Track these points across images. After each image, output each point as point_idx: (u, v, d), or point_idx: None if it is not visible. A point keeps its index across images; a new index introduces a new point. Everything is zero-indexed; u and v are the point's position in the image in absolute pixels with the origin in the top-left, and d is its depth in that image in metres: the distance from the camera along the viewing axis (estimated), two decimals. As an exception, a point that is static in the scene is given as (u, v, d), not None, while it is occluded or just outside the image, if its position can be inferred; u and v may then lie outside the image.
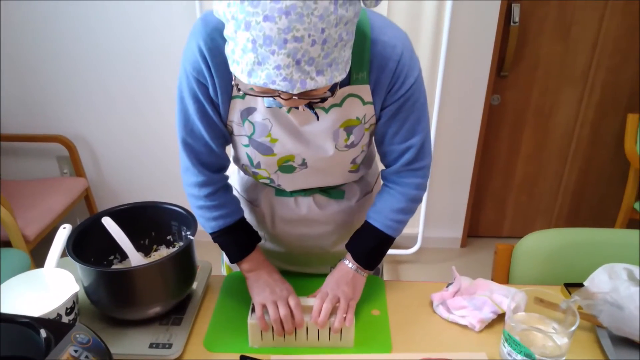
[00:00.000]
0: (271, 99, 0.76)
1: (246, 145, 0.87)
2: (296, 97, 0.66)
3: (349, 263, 0.93)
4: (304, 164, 0.88)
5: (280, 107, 0.81)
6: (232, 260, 0.94)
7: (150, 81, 2.25)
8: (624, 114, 2.26)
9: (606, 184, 2.49)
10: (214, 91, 0.80)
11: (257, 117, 0.82)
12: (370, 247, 0.92)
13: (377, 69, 0.78)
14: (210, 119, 0.83)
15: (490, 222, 2.66)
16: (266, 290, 0.88)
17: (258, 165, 0.90)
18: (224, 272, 1.22)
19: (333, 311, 0.87)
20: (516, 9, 2.08)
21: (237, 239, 0.93)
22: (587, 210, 2.58)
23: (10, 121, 2.37)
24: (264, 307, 0.86)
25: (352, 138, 0.85)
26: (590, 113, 2.33)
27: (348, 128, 0.83)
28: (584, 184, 2.51)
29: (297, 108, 0.80)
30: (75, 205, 2.27)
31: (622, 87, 2.26)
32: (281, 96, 0.67)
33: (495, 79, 2.24)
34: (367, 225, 0.94)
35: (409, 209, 0.93)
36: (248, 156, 0.89)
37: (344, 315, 0.85)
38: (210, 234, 0.93)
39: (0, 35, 2.18)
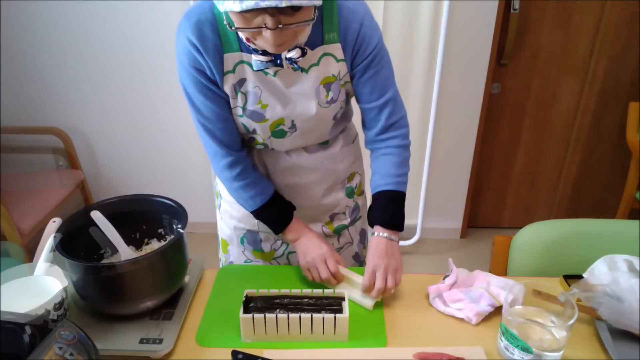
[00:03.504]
0: (259, 62, 0.87)
1: (241, 116, 0.96)
2: (282, 26, 0.74)
3: (381, 233, 0.98)
4: (293, 126, 0.98)
5: (266, 74, 0.91)
6: (276, 232, 1.04)
7: (145, 74, 2.23)
8: (625, 102, 2.23)
9: (607, 173, 2.47)
10: (210, 72, 0.90)
11: (248, 86, 0.92)
12: (393, 210, 0.99)
13: (344, 30, 0.90)
14: (216, 96, 0.93)
15: (490, 213, 2.64)
16: (306, 257, 0.99)
17: (254, 132, 0.99)
18: (221, 252, 1.22)
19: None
20: (516, -4, 2.04)
21: (276, 213, 1.04)
22: (588, 200, 2.56)
23: (5, 114, 2.34)
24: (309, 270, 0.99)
25: (331, 94, 0.96)
26: (591, 102, 2.30)
27: (327, 85, 0.95)
28: (584, 173, 2.49)
29: (280, 65, 0.88)
30: (71, 198, 2.25)
31: (624, 76, 2.23)
32: (267, 25, 0.74)
33: (495, 68, 2.21)
34: (381, 194, 1.01)
35: (406, 160, 1.03)
36: (244, 125, 0.98)
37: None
38: (251, 212, 1.04)
39: (-5, 27, 2.16)
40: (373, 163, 1.05)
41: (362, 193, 1.21)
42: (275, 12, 0.72)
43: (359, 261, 1.24)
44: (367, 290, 0.93)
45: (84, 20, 2.12)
